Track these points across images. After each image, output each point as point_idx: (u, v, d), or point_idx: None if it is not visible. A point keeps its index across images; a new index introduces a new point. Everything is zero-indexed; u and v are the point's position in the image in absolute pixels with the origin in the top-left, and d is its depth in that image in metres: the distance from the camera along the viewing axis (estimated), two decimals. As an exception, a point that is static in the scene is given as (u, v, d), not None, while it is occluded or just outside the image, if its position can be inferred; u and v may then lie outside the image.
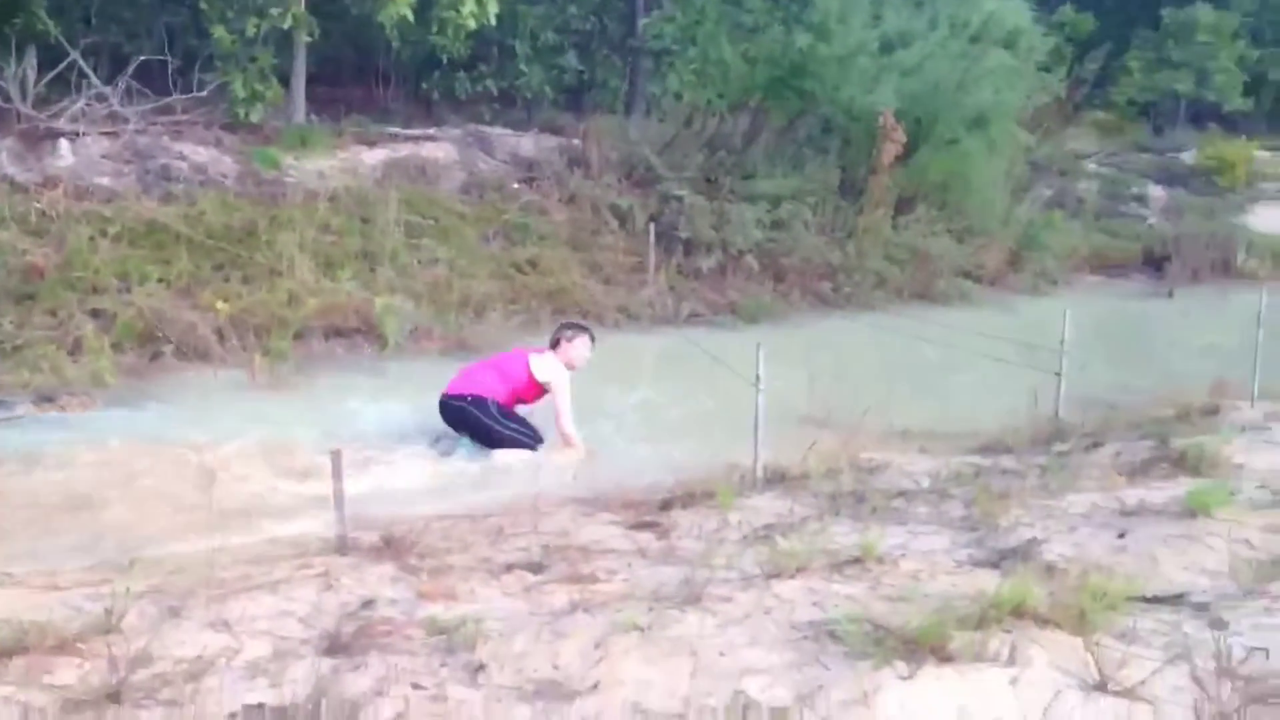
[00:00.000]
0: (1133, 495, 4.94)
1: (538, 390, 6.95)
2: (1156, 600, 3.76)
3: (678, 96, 15.85)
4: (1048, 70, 19.36)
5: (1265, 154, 21.35)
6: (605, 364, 7.90)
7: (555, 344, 7.15)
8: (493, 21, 12.33)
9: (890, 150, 13.33)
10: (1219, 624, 3.56)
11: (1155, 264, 16.18)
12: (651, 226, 12.38)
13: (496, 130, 15.08)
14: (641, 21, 16.71)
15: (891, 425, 7.25)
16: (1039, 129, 17.98)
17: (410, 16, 11.88)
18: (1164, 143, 22.91)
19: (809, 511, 5.09)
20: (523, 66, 16.89)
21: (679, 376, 8.75)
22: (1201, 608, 3.70)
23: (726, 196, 13.10)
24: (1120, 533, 4.45)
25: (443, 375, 8.16)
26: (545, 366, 6.95)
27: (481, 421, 6.70)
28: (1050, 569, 4.07)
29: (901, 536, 4.59)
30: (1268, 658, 3.31)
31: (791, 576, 3.97)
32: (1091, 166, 20.55)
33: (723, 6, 16.64)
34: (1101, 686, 3.08)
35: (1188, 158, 21.44)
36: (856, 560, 4.19)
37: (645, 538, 4.75)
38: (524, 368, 6.94)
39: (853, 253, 13.09)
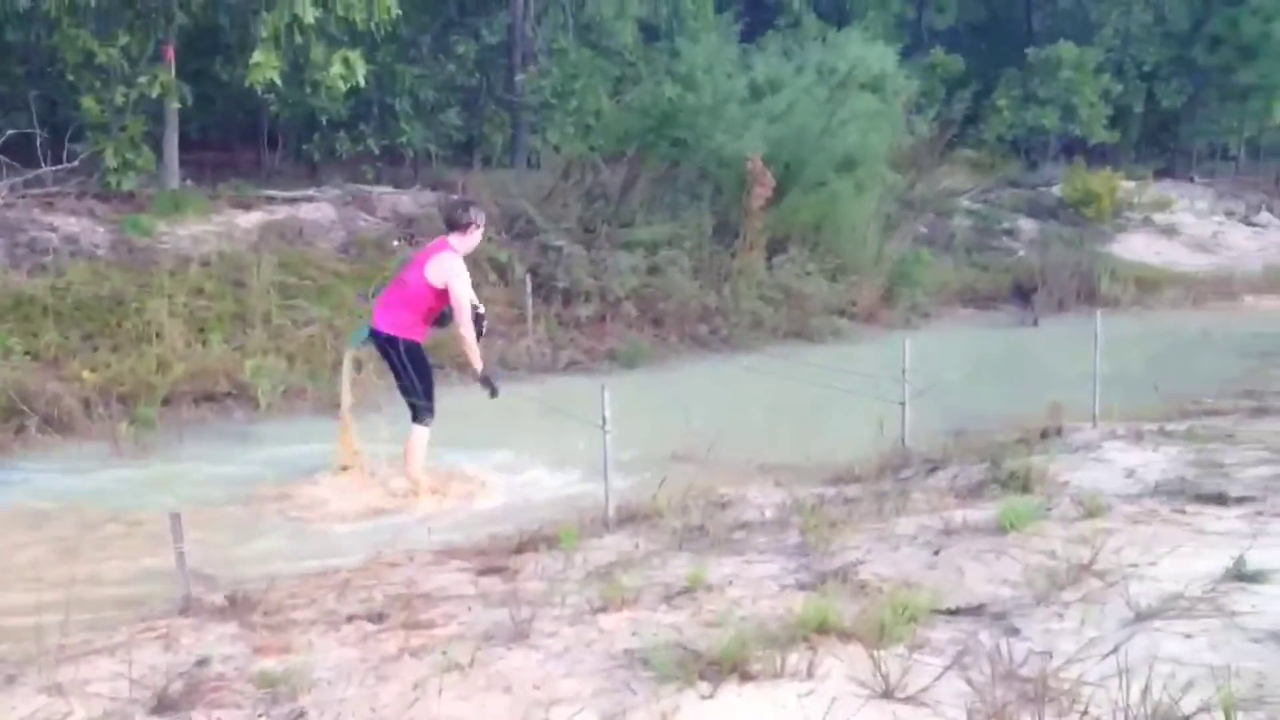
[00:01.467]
0: (959, 515, 5.17)
1: (445, 297, 6.81)
2: (957, 612, 3.98)
3: (556, 149, 16.11)
4: (919, 111, 20.08)
5: (1129, 184, 22.18)
6: (473, 416, 8.02)
7: (458, 226, 6.94)
8: (362, 82, 12.46)
9: (760, 194, 13.68)
10: (1011, 631, 3.79)
11: (1024, 295, 16.73)
12: (529, 277, 12.55)
13: (378, 189, 15.19)
14: (519, 77, 16.97)
15: (750, 461, 7.47)
16: (913, 168, 18.55)
17: (278, 80, 11.97)
18: (1035, 177, 23.70)
19: (655, 547, 5.25)
20: (404, 125, 17.02)
21: (545, 423, 8.88)
22: (998, 617, 3.93)
23: (604, 245, 13.34)
24: (936, 550, 4.68)
25: (313, 433, 8.25)
26: (440, 270, 6.77)
27: (394, 364, 6.92)
28: (864, 587, 4.29)
29: (736, 566, 4.77)
30: (1050, 659, 3.54)
31: (619, 609, 4.13)
32: (965, 203, 21.17)
33: (596, 60, 16.98)
34: (888, 694, 3.28)
35: (1057, 191, 22.19)
36: (686, 590, 4.37)
37: (491, 582, 4.87)
38: (424, 285, 6.80)
39: (728, 295, 13.39)
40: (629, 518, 5.83)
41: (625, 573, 4.67)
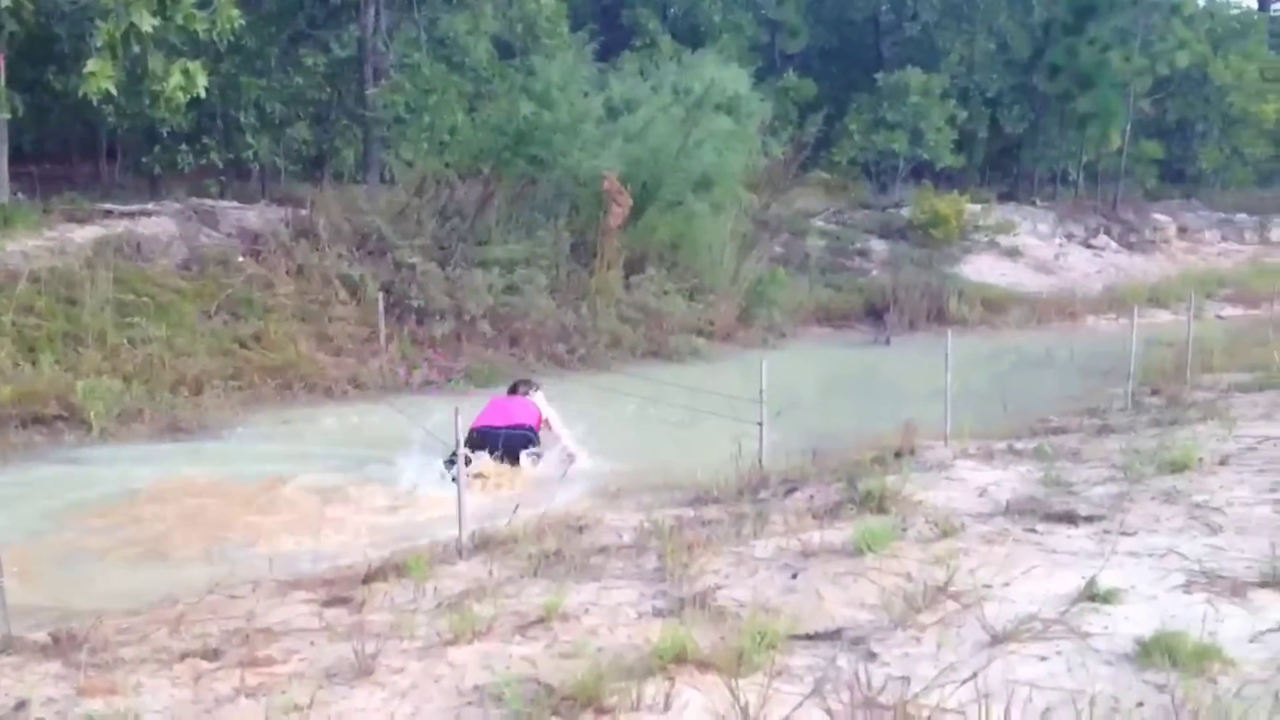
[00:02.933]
0: (816, 537, 5.13)
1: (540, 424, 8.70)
2: (815, 637, 3.92)
3: (410, 165, 15.81)
4: (773, 133, 20.33)
5: (976, 207, 22.82)
6: (326, 435, 7.76)
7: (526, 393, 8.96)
8: (204, 94, 11.98)
9: (618, 213, 13.65)
10: (869, 656, 3.73)
11: (876, 314, 17.03)
12: (382, 295, 12.25)
13: (222, 203, 14.69)
14: (370, 91, 16.62)
15: (609, 483, 7.36)
16: (768, 189, 18.75)
17: (114, 91, 11.44)
18: (885, 199, 24.21)
19: (510, 574, 5.08)
20: (250, 138, 16.51)
21: (397, 446, 8.64)
22: (857, 641, 3.87)
23: (460, 263, 13.12)
24: (794, 573, 4.62)
25: (149, 457, 7.86)
26: (543, 405, 8.86)
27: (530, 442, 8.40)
28: (723, 613, 4.19)
29: (593, 593, 4.64)
30: (909, 685, 3.49)
31: (470, 641, 3.96)
32: (819, 224, 21.52)
33: (450, 76, 16.73)
34: (749, 725, 3.18)
35: (906, 213, 22.70)
36: (541, 620, 4.22)
37: (336, 614, 4.64)
38: (534, 410, 8.75)
39: (586, 314, 13.29)
40: (483, 544, 5.64)
41: (478, 602, 4.49)
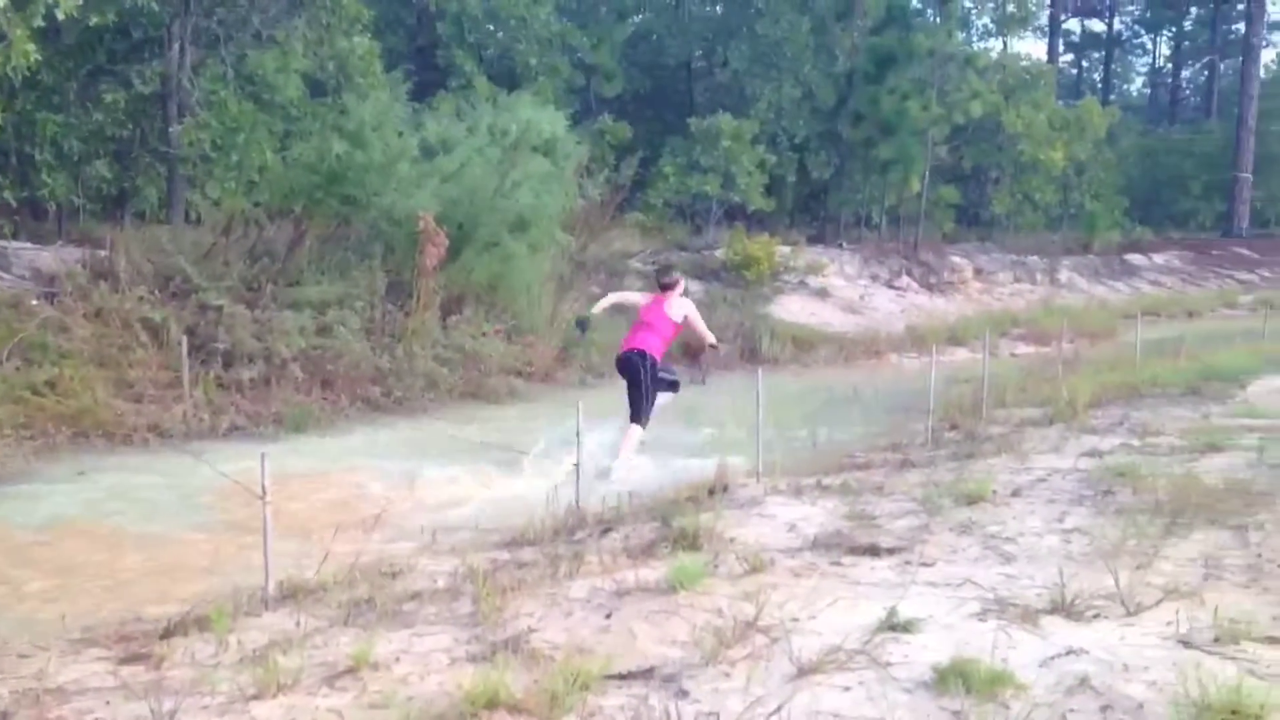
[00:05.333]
0: (631, 576, 5.17)
1: (677, 329, 9.79)
2: (628, 676, 3.95)
3: (216, 204, 15.37)
4: (590, 175, 20.52)
5: (786, 249, 23.44)
6: (118, 490, 7.45)
7: (671, 286, 9.99)
8: (-8, 129, 11.44)
9: (433, 254, 13.52)
10: (680, 694, 3.78)
11: (693, 354, 17.26)
12: (186, 338, 11.83)
13: (14, 244, 13.97)
14: (174, 128, 16.11)
15: (424, 527, 7.27)
16: (585, 230, 18.89)
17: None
18: (700, 241, 24.67)
19: (318, 624, 4.96)
20: (46, 176, 15.78)
21: (194, 495, 8.36)
22: (669, 679, 3.92)
23: (269, 304, 12.78)
24: (608, 613, 4.65)
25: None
26: (677, 307, 9.76)
27: (644, 374, 9.46)
28: (537, 655, 4.19)
29: (405, 640, 4.57)
30: None
31: (274, 695, 3.86)
32: (636, 264, 21.76)
33: (259, 113, 16.37)
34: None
35: (720, 254, 23.17)
36: (350, 670, 4.13)
37: (133, 671, 4.45)
38: (666, 319, 9.69)
39: (402, 356, 13.10)
40: (290, 593, 5.50)
41: (284, 654, 4.37)
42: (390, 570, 5.97)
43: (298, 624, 4.93)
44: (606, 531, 6.51)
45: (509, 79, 23.53)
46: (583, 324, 10.94)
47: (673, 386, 10.05)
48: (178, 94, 16.37)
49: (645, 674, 3.96)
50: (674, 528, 6.11)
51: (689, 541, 5.84)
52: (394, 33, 25.28)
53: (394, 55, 22.38)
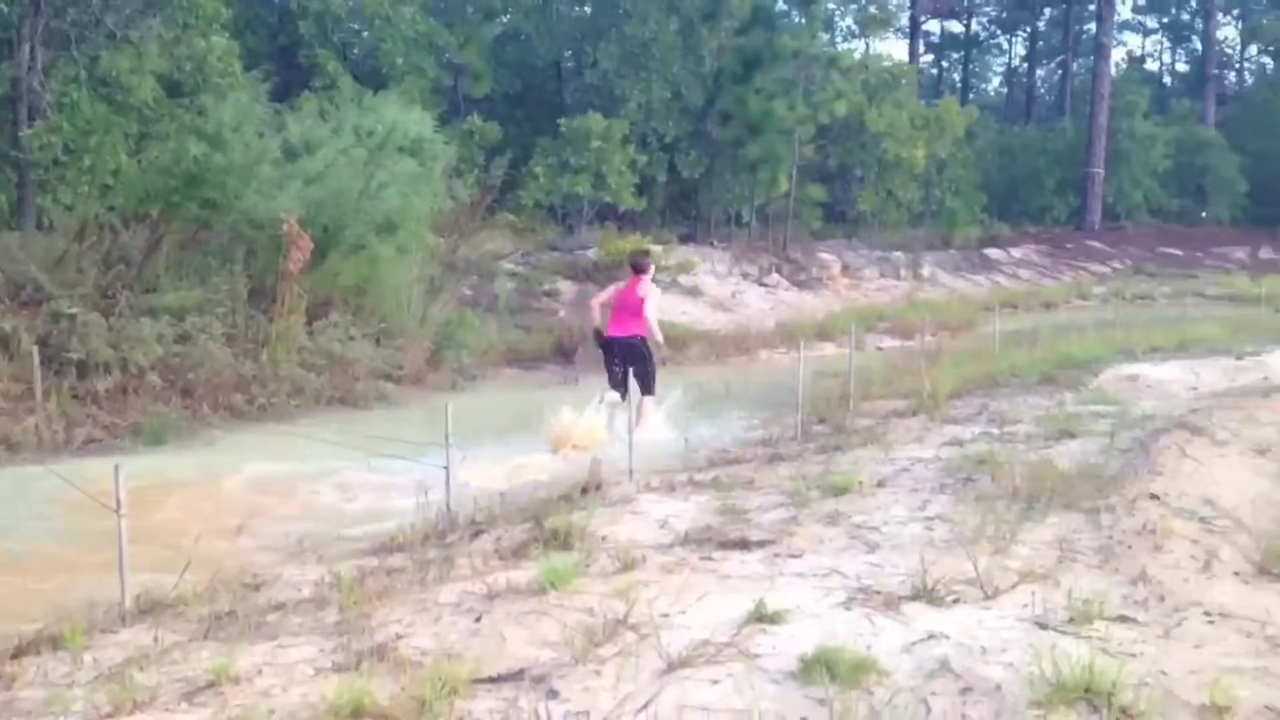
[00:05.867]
0: (503, 578, 5.13)
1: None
2: (498, 679, 3.91)
3: (69, 209, 14.83)
4: (459, 176, 20.35)
5: (658, 248, 23.52)
6: None
7: (644, 269, 11.54)
8: None
9: (297, 257, 13.23)
10: (551, 694, 3.76)
11: (566, 354, 17.26)
12: (38, 348, 11.39)
13: None
14: (24, 132, 15.49)
15: (289, 535, 7.12)
16: (455, 232, 18.72)
17: None
18: (572, 241, 24.66)
19: (178, 639, 4.81)
20: (-116, 181, 15.10)
21: (47, 511, 8.06)
22: (538, 680, 3.90)
23: (125, 312, 12.36)
24: (478, 616, 4.60)
25: None
26: (644, 289, 11.20)
27: (640, 354, 10.93)
28: (405, 662, 4.13)
29: (268, 652, 4.46)
30: (588, 719, 3.54)
31: (130, 713, 3.73)
32: (508, 266, 21.67)
33: (113, 116, 15.85)
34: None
35: (592, 254, 23.19)
36: (210, 685, 4.02)
37: (-20, 695, 4.26)
38: (639, 301, 11.00)
39: (267, 362, 12.80)
40: (149, 608, 5.33)
41: (141, 670, 4.23)
42: (253, 581, 5.83)
43: (155, 639, 4.77)
44: (478, 534, 6.45)
45: (374, 79, 23.17)
46: (599, 335, 11.51)
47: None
48: (28, 97, 15.76)
49: (515, 676, 3.93)
50: (546, 528, 6.08)
51: (561, 541, 5.82)
52: (254, 32, 24.71)
53: (254, 55, 21.86)
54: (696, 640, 4.09)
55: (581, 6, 31.63)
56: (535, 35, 30.00)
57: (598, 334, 11.48)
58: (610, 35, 28.51)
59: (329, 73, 23.41)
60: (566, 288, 21.89)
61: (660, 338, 11.45)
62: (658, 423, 10.81)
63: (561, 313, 20.28)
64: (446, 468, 7.19)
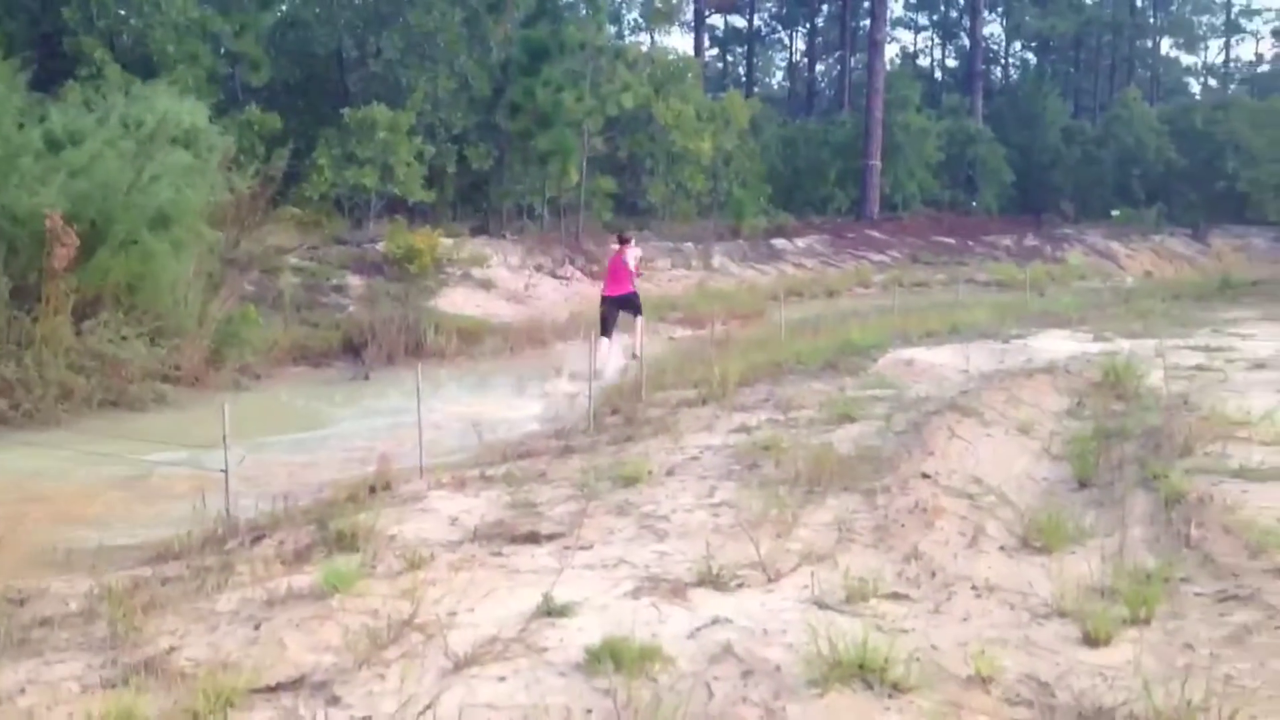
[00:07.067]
0: (284, 583, 4.98)
1: (635, 270, 14.86)
2: (277, 688, 3.80)
3: None
4: (239, 168, 19.63)
5: (448, 241, 23.26)
6: None
7: (627, 240, 15.14)
8: None
9: (62, 254, 12.52)
10: (332, 700, 3.67)
11: (355, 350, 16.89)
12: None
13: None
14: None
15: (55, 548, 6.75)
16: (235, 226, 18.04)
17: None
18: (360, 234, 24.09)
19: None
20: None
21: None
22: (319, 686, 3.80)
23: None
24: (257, 624, 4.46)
25: None
26: (630, 255, 14.68)
27: (632, 301, 14.29)
28: (179, 675, 3.96)
29: (33, 669, 4.21)
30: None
31: None
32: (293, 260, 21.02)
33: None
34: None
35: (381, 248, 22.73)
36: (-38, 711, 3.77)
37: None
38: (626, 266, 14.44)
39: (30, 365, 12.08)
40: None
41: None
42: (17, 596, 5.50)
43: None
44: (259, 539, 6.24)
45: (145, 67, 22.08)
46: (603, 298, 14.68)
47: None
48: None
49: (294, 684, 3.82)
50: (331, 530, 5.94)
51: (347, 543, 5.69)
52: (13, 18, 23.24)
53: (14, 42, 20.51)
54: (484, 637, 4.06)
55: (364, -6, 30.92)
56: (316, 23, 29.17)
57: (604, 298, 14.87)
58: (394, 24, 27.97)
59: (95, 60, 22.18)
60: (355, 282, 21.41)
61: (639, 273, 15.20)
62: (641, 336, 14.05)
63: (351, 307, 19.80)
64: (225, 471, 6.93)
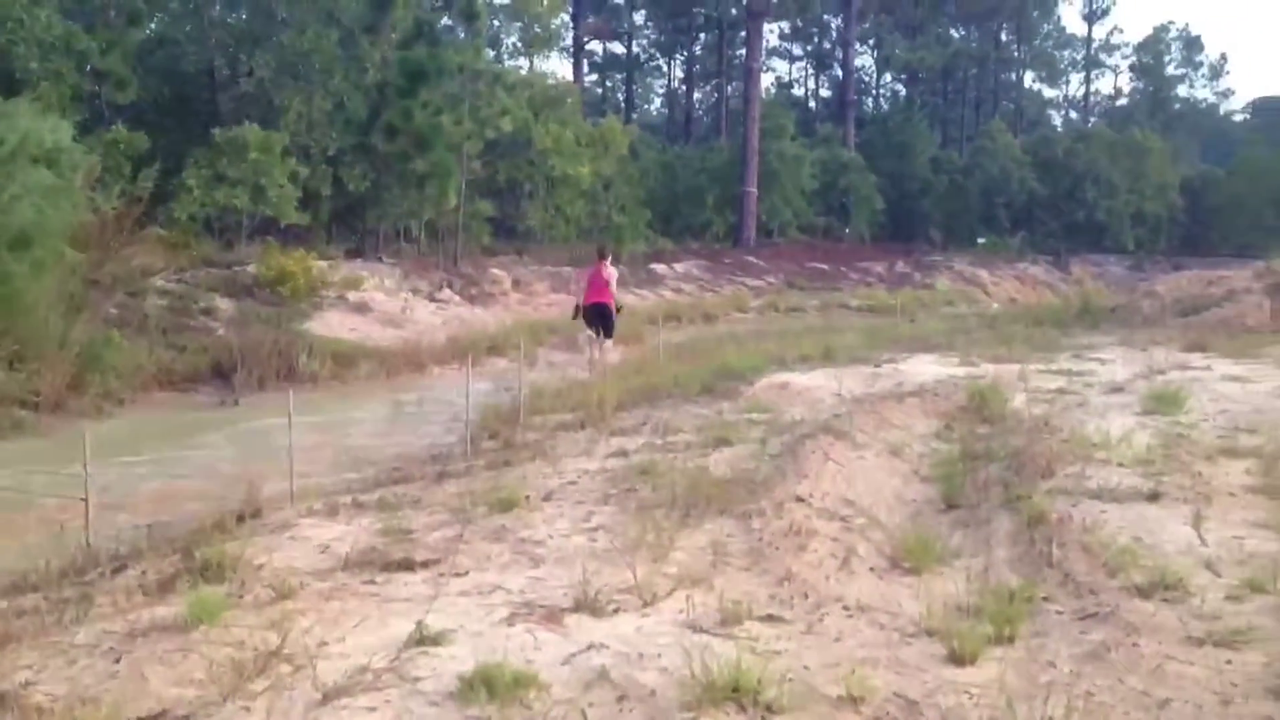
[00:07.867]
0: (146, 615, 4.83)
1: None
2: (134, 724, 3.68)
3: None
4: (104, 188, 19.07)
5: (323, 264, 22.89)
6: None
7: (605, 255, 16.37)
8: None
9: (-87, 275, 12.04)
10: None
11: (224, 374, 16.49)
12: None
13: None
14: None
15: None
16: (99, 247, 17.51)
17: None
18: (231, 256, 23.53)
19: None
20: None
21: None
22: (182, 721, 3.69)
23: None
24: (117, 658, 4.31)
25: None
26: (608, 271, 15.80)
27: (606, 313, 15.38)
28: (34, 711, 3.81)
29: None
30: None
31: None
32: (159, 282, 20.44)
33: None
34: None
35: (253, 270, 22.25)
36: None
37: None
38: (605, 279, 15.56)
39: (-123, 391, 11.57)
40: None
41: None
42: None
43: None
44: (121, 569, 6.04)
45: (6, 84, 21.35)
46: (578, 307, 15.88)
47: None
48: None
49: (156, 718, 3.70)
50: (197, 559, 5.77)
51: (213, 573, 5.53)
52: None
53: None
54: (354, 667, 3.99)
55: (236, 13, 30.32)
56: (186, 41, 28.54)
57: (577, 308, 15.91)
58: (267, 43, 27.51)
59: (-48, 76, 21.42)
60: (225, 305, 20.88)
61: (617, 299, 16.00)
62: (611, 350, 15.77)
63: (219, 331, 19.31)
64: (85, 499, 6.70)
